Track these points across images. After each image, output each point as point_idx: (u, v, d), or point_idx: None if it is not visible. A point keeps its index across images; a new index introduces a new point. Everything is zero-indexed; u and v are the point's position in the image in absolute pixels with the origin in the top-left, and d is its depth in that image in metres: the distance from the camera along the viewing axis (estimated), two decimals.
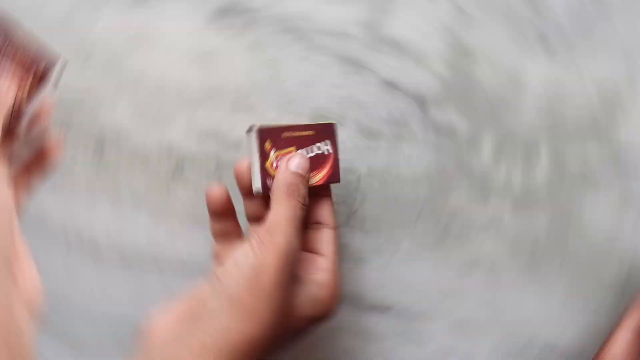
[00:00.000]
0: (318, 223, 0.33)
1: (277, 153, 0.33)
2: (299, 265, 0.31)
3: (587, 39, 0.36)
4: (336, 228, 0.34)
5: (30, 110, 0.29)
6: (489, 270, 0.38)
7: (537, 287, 0.38)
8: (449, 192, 0.38)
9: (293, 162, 0.32)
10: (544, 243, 0.37)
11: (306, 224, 0.33)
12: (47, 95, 0.29)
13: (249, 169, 0.33)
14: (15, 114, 0.27)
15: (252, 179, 0.33)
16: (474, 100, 0.37)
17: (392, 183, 0.38)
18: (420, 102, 0.37)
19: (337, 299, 0.32)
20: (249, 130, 0.34)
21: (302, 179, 0.31)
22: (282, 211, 0.30)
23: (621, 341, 0.33)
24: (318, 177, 0.34)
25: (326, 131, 0.34)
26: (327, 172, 0.34)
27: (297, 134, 0.34)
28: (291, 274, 0.29)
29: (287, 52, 0.38)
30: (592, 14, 0.36)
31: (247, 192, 0.33)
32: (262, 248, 0.29)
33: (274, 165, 0.33)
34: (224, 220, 0.34)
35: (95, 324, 0.39)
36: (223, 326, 0.27)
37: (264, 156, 0.33)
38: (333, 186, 0.35)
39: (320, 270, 0.31)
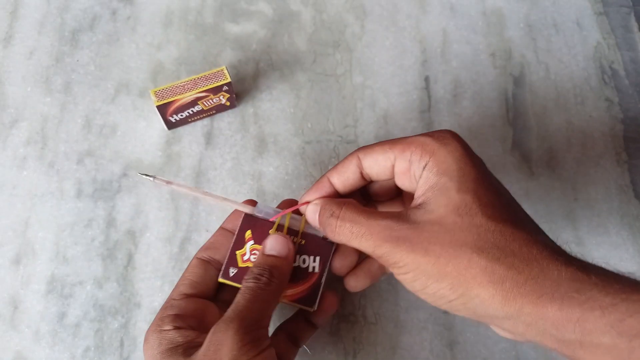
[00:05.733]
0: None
1: (253, 246, 0.29)
2: None
3: None
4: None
5: None
6: None
7: None
8: None
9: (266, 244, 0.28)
10: None
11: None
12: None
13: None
14: None
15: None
16: None
17: None
18: None
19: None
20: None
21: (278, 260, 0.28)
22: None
23: None
24: (289, 292, 0.29)
25: (321, 247, 0.29)
26: (301, 291, 0.29)
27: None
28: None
29: None
30: None
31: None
32: None
33: (245, 258, 0.29)
34: None
35: None
36: None
37: (238, 243, 0.29)
38: None
39: None
